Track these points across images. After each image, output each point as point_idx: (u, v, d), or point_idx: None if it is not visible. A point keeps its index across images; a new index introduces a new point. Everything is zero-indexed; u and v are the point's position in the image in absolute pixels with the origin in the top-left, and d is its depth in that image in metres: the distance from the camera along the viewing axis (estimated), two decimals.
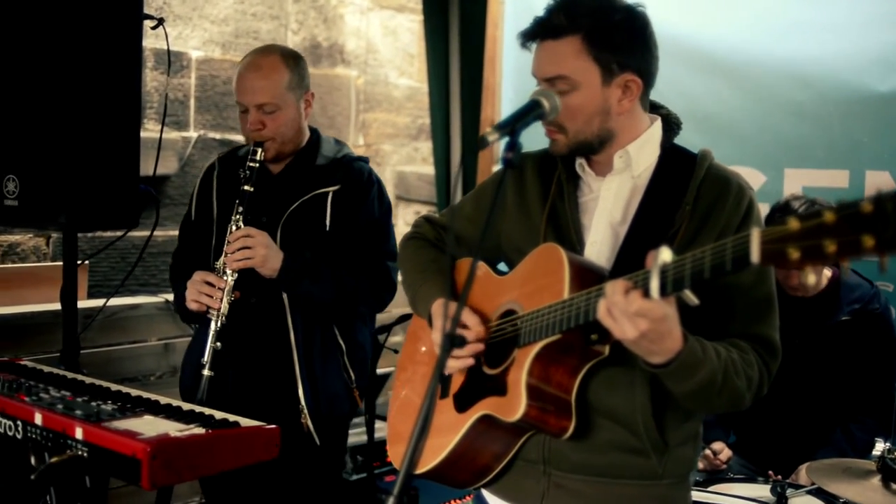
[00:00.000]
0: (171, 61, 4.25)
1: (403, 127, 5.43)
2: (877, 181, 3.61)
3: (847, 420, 3.36)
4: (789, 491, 2.81)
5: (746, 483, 3.06)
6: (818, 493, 2.84)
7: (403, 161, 5.43)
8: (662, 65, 4.13)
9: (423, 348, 2.27)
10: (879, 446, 2.83)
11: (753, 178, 3.87)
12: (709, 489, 2.95)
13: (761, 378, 1.93)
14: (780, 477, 3.08)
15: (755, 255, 1.43)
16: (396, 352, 2.46)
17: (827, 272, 3.37)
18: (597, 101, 1.95)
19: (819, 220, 1.34)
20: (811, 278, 1.47)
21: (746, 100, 3.89)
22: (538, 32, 1.97)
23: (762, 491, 2.90)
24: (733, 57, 3.89)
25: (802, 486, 2.93)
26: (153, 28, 2.92)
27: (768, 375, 1.95)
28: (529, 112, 1.84)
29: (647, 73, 2.00)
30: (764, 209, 3.24)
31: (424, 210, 5.37)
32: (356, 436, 3.87)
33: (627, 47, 1.96)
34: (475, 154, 4.72)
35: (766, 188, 3.81)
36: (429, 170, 5.32)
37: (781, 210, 3.20)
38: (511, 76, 4.67)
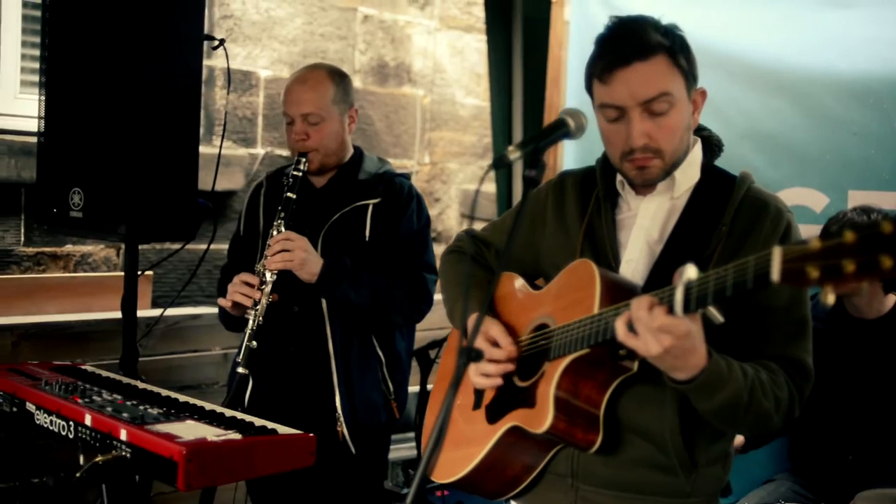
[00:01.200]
0: (241, 80, 4.40)
1: (469, 146, 5.48)
2: None
3: None
4: None
5: None
6: None
7: (469, 179, 5.48)
8: (725, 83, 4.08)
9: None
10: None
11: (816, 199, 3.80)
12: None
13: (791, 400, 1.91)
14: None
15: (775, 273, 1.44)
16: None
17: (892, 295, 3.30)
18: (687, 117, 1.98)
19: (839, 240, 1.34)
20: (830, 298, 1.45)
21: (809, 120, 3.81)
22: (629, 55, 1.92)
23: None
24: (796, 76, 3.82)
25: None
26: (214, 48, 3.03)
27: (800, 398, 1.93)
28: (554, 131, 1.86)
29: None
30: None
31: None
32: (407, 450, 3.92)
33: (694, 62, 2.00)
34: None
35: (829, 210, 3.73)
36: (494, 188, 5.35)
37: (836, 221, 3.15)
38: (575, 96, 4.66)
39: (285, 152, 4.54)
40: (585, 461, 2.00)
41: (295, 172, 2.92)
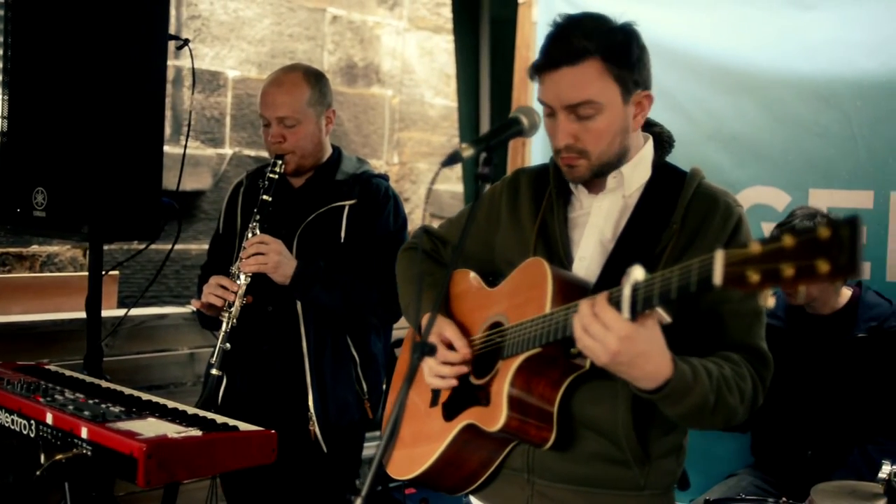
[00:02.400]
0: (209, 80, 4.40)
1: (439, 146, 5.51)
2: None
3: (864, 441, 3.32)
4: None
5: None
6: None
7: (438, 180, 5.50)
8: (691, 84, 4.11)
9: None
10: (886, 468, 2.77)
11: (778, 198, 3.85)
12: None
13: (755, 390, 1.93)
14: (791, 501, 3.05)
15: (718, 277, 1.46)
16: None
17: (846, 291, 3.36)
18: (619, 121, 1.98)
19: (779, 245, 1.36)
20: (770, 301, 1.48)
21: (772, 120, 3.86)
22: (557, 60, 1.95)
23: None
24: (760, 77, 3.87)
25: None
26: (178, 48, 3.04)
27: (763, 386, 1.95)
28: (507, 129, 1.89)
29: (650, 88, 2.05)
30: None
31: None
32: (374, 448, 3.93)
33: (639, 64, 1.99)
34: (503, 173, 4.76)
35: (791, 208, 3.79)
36: (461, 188, 5.39)
37: (783, 225, 3.21)
38: None
39: (253, 152, 4.55)
40: (541, 456, 2.03)
41: (271, 175, 2.93)
